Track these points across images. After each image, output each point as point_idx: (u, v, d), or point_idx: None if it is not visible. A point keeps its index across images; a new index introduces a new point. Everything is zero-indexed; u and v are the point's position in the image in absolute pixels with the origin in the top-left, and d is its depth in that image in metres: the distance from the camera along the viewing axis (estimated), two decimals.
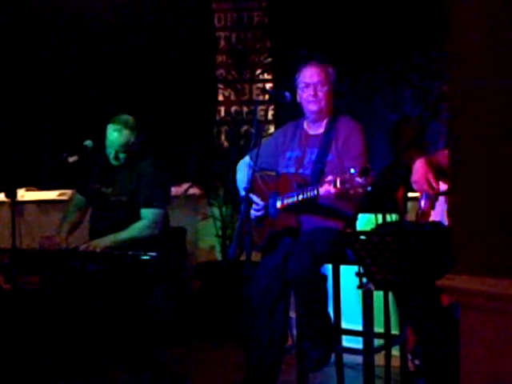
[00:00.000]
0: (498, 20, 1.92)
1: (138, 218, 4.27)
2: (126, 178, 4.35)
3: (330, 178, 3.50)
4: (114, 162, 4.36)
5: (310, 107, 3.97)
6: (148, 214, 4.26)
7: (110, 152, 4.32)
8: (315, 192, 3.62)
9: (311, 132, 4.05)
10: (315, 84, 3.95)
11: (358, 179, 3.35)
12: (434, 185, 3.22)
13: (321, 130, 4.00)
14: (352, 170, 3.38)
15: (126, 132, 4.30)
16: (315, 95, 3.95)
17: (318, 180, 3.74)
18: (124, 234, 4.21)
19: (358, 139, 3.89)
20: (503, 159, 1.92)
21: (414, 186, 3.31)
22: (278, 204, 3.88)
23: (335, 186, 3.43)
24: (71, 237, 4.41)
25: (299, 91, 4.01)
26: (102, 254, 4.00)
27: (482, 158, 1.96)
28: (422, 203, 3.39)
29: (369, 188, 3.40)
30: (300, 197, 3.73)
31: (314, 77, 3.97)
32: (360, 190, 3.40)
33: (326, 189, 3.53)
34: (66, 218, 4.48)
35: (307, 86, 3.96)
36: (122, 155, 4.33)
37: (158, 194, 4.32)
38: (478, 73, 1.98)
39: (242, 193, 4.02)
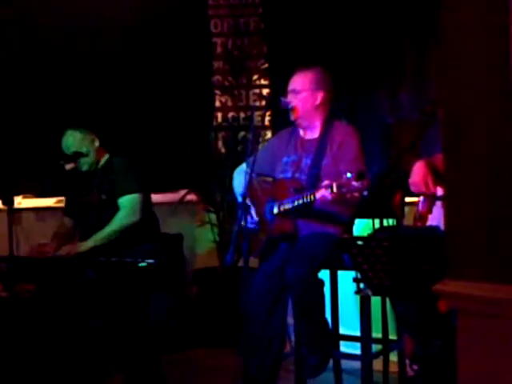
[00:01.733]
0: (491, 27, 1.92)
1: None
2: (101, 180, 4.41)
3: (326, 182, 3.50)
4: (81, 169, 4.45)
5: (290, 115, 3.98)
6: (124, 201, 4.29)
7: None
8: (312, 197, 3.63)
9: (306, 137, 4.05)
10: (291, 91, 3.97)
11: (355, 183, 3.36)
12: (432, 188, 3.21)
13: (316, 135, 4.00)
14: (348, 175, 3.38)
15: (68, 132, 4.44)
16: (289, 103, 3.96)
17: (314, 185, 3.74)
18: (105, 231, 4.24)
19: (352, 143, 3.88)
20: (500, 165, 1.92)
21: (412, 188, 3.30)
22: (275, 210, 3.88)
23: (332, 190, 3.44)
24: None
25: None
26: (100, 261, 3.99)
27: (478, 163, 1.96)
28: (420, 206, 3.39)
29: (365, 192, 3.40)
30: (297, 202, 3.73)
31: (290, 84, 4.00)
32: (356, 194, 3.42)
33: (322, 194, 3.54)
34: (55, 235, 4.51)
35: (287, 93, 3.98)
36: (82, 161, 4.41)
37: (131, 181, 4.35)
38: (473, 78, 1.98)
39: (240, 199, 4.02)
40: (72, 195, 4.55)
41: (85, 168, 4.41)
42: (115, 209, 4.29)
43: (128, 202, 4.29)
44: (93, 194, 4.37)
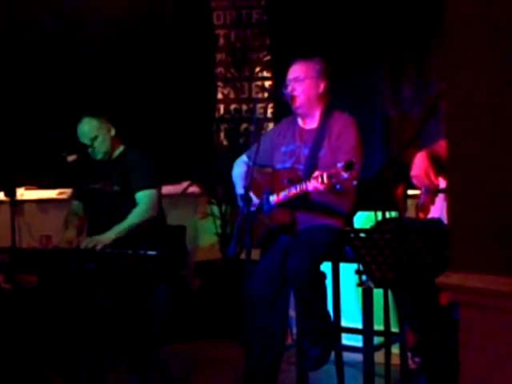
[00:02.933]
0: (497, 26, 1.92)
1: (132, 205, 4.27)
2: (114, 172, 4.38)
3: (316, 173, 3.51)
4: (96, 157, 4.41)
5: (291, 103, 3.98)
6: (143, 196, 4.27)
7: (89, 148, 4.39)
8: (304, 188, 3.64)
9: (305, 127, 4.05)
10: (292, 80, 3.97)
11: (344, 174, 3.37)
12: (435, 181, 3.21)
13: (314, 125, 4.00)
14: (338, 165, 3.40)
15: (86, 119, 4.37)
16: (292, 91, 3.96)
17: (311, 175, 3.74)
18: (125, 223, 4.20)
19: (350, 134, 3.88)
20: (502, 156, 1.91)
21: (414, 181, 3.30)
22: (271, 201, 3.88)
23: (322, 181, 3.45)
24: None
25: None
26: (101, 253, 3.99)
27: (480, 155, 1.96)
28: (422, 197, 3.39)
29: (354, 182, 3.42)
30: (290, 194, 3.74)
31: (291, 73, 3.99)
32: (346, 185, 3.43)
33: (314, 185, 3.54)
34: (69, 223, 4.47)
35: (288, 82, 3.97)
36: (97, 144, 4.36)
37: (149, 176, 4.34)
38: (476, 75, 1.98)
39: (239, 190, 4.02)
40: (83, 182, 4.52)
41: (99, 157, 4.38)
42: (127, 201, 4.27)
43: (146, 197, 4.27)
44: (105, 184, 4.36)
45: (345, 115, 3.98)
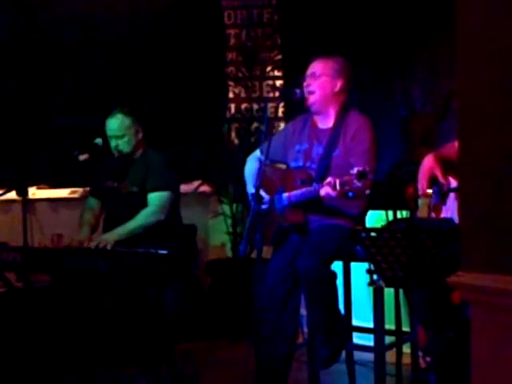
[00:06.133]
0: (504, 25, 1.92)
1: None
2: (134, 171, 4.38)
3: (329, 180, 3.46)
4: (117, 153, 4.39)
5: (305, 99, 3.96)
6: (154, 198, 4.27)
7: (111, 143, 4.39)
8: (316, 192, 3.61)
9: (320, 125, 4.01)
10: (308, 76, 3.94)
11: (356, 182, 3.33)
12: (442, 180, 3.21)
13: (330, 124, 3.97)
14: (351, 171, 3.37)
15: (119, 116, 4.38)
16: (307, 86, 3.93)
17: (324, 176, 3.71)
18: (131, 224, 4.20)
19: (366, 135, 3.84)
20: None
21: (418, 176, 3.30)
22: (284, 201, 3.86)
23: (334, 188, 3.41)
24: None
25: None
26: (113, 252, 4.00)
27: (492, 154, 1.96)
28: (434, 198, 3.38)
29: (367, 191, 3.39)
30: (302, 194, 3.73)
31: (309, 69, 3.97)
32: (358, 193, 3.41)
33: (326, 191, 3.51)
34: (84, 221, 4.48)
35: (305, 78, 3.95)
36: (121, 143, 4.36)
37: (164, 178, 4.33)
38: (485, 75, 1.98)
39: (251, 189, 4.01)
40: (102, 179, 4.53)
41: (123, 152, 4.39)
42: (144, 201, 4.28)
43: (157, 200, 4.26)
44: (123, 184, 4.36)
45: (361, 116, 3.93)
